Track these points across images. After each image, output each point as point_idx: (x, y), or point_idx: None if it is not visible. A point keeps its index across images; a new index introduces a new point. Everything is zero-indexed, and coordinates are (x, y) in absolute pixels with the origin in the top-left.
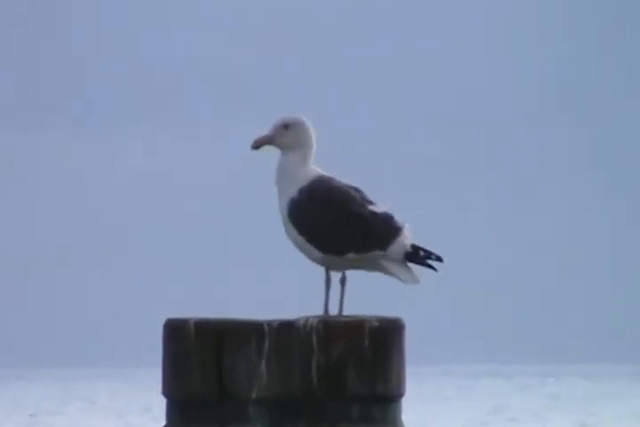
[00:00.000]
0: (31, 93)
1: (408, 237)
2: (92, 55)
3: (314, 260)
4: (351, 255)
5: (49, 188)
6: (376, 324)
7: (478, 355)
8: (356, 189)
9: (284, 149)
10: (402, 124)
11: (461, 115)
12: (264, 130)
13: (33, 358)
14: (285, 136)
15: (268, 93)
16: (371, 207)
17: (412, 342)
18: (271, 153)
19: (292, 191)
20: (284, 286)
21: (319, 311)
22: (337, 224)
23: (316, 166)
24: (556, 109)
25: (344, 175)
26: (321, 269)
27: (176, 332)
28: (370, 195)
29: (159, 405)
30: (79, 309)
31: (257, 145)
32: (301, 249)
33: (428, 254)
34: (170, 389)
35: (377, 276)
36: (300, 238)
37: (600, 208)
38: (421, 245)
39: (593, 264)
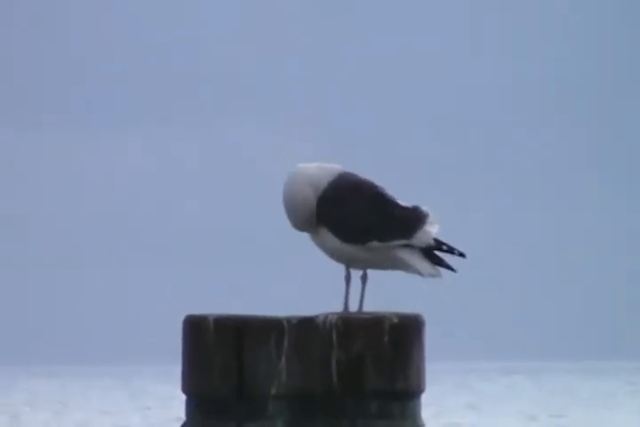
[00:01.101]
0: (31, 93)
1: (434, 226)
2: (93, 55)
3: (334, 254)
4: (375, 244)
5: (50, 188)
6: (395, 320)
7: (499, 351)
8: (381, 187)
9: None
10: (402, 124)
11: (461, 115)
12: (263, 134)
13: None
14: (309, 211)
15: (269, 93)
16: (396, 200)
17: (432, 339)
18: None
19: (320, 186)
20: (304, 282)
21: (339, 308)
22: (360, 212)
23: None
24: (557, 109)
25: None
26: (341, 267)
27: (195, 328)
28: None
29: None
30: (90, 308)
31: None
32: (324, 243)
33: (451, 250)
34: (189, 385)
35: (397, 273)
36: (324, 230)
37: (600, 208)
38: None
39: (593, 264)
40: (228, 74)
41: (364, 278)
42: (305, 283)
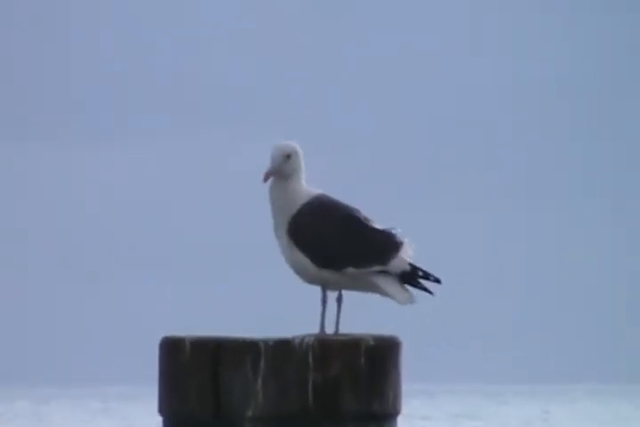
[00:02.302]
0: (29, 106)
1: (409, 253)
2: (91, 68)
3: (310, 278)
4: (350, 270)
5: (43, 200)
6: (372, 342)
7: (476, 374)
8: (357, 210)
9: (284, 176)
10: (401, 129)
11: (460, 116)
12: (260, 155)
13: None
14: (288, 165)
15: (266, 106)
16: (371, 224)
17: (408, 360)
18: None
19: (293, 209)
20: (279, 304)
21: (315, 330)
22: (336, 237)
23: (310, 185)
24: (558, 116)
25: (341, 183)
26: (317, 289)
27: (172, 350)
28: (371, 205)
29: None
30: (74, 326)
31: (267, 178)
32: (298, 266)
33: (426, 275)
34: (166, 407)
35: (373, 295)
36: (298, 254)
37: (603, 218)
38: (417, 255)
39: (597, 278)
40: (226, 86)
41: (339, 300)
42: (281, 304)
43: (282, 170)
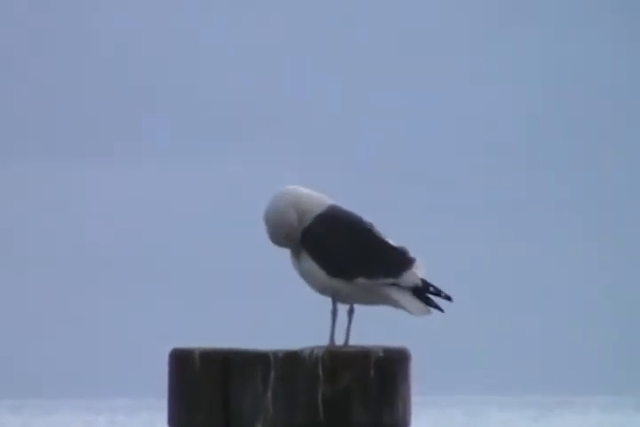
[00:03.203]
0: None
1: (421, 270)
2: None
3: (321, 288)
4: (361, 280)
5: (47, 217)
6: (381, 354)
7: (487, 385)
8: (371, 223)
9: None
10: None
11: (458, 144)
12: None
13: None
14: (293, 233)
15: (266, 122)
16: (385, 237)
17: (418, 372)
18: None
19: (307, 221)
20: (290, 315)
21: (325, 342)
22: (349, 247)
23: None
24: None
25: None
26: (328, 300)
27: (182, 362)
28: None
29: None
30: (83, 338)
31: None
32: (309, 275)
33: (438, 292)
34: (175, 419)
35: (384, 307)
36: (310, 262)
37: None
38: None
39: (587, 300)
40: (232, 101)
41: (350, 312)
42: (291, 316)
43: (291, 239)
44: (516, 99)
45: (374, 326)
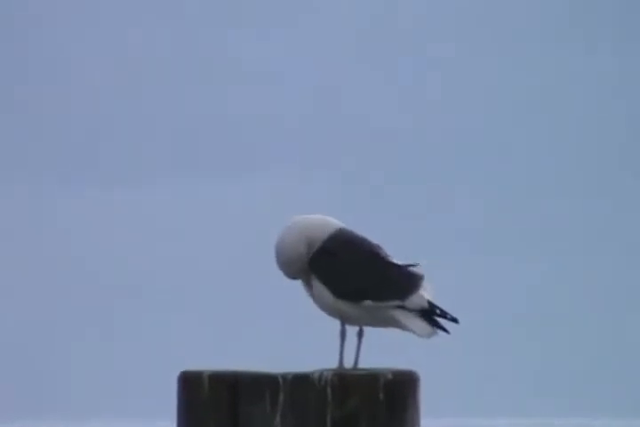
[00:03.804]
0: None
1: (428, 291)
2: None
3: (329, 309)
4: (367, 303)
5: (52, 242)
6: (390, 377)
7: (495, 408)
8: (378, 246)
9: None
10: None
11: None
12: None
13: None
14: (304, 263)
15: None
16: (392, 259)
17: (427, 395)
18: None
19: (317, 244)
20: (299, 338)
21: (334, 364)
22: (356, 269)
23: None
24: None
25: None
26: (337, 322)
27: (190, 384)
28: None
29: None
30: (89, 361)
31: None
32: (318, 298)
33: (444, 314)
34: None
35: (392, 330)
36: (319, 285)
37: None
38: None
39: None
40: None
41: (359, 335)
42: (300, 338)
43: (303, 271)
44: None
45: (384, 348)
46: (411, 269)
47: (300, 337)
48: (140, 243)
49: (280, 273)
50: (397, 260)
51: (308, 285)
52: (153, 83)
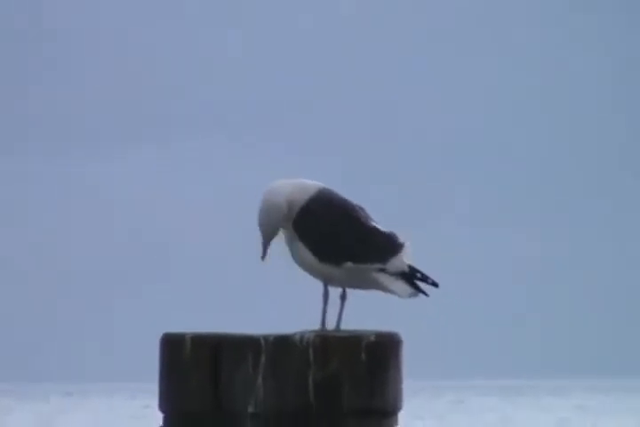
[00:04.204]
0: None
1: (408, 256)
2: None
3: (311, 270)
4: (349, 265)
5: (42, 216)
6: (373, 339)
7: (475, 370)
8: (361, 207)
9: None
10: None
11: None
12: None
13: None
14: (280, 222)
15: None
16: (374, 223)
17: (409, 357)
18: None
19: (299, 204)
20: (281, 299)
21: (317, 326)
22: (338, 232)
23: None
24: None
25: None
26: (320, 284)
27: (173, 346)
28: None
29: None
30: (76, 328)
31: (265, 256)
32: (300, 258)
33: (425, 278)
34: (166, 404)
35: (375, 292)
36: (301, 246)
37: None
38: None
39: (593, 279)
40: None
41: (342, 297)
42: (283, 300)
43: (279, 226)
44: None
45: (368, 311)
46: (393, 233)
47: (283, 299)
48: (115, 213)
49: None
50: (378, 223)
51: (291, 246)
52: (152, 82)
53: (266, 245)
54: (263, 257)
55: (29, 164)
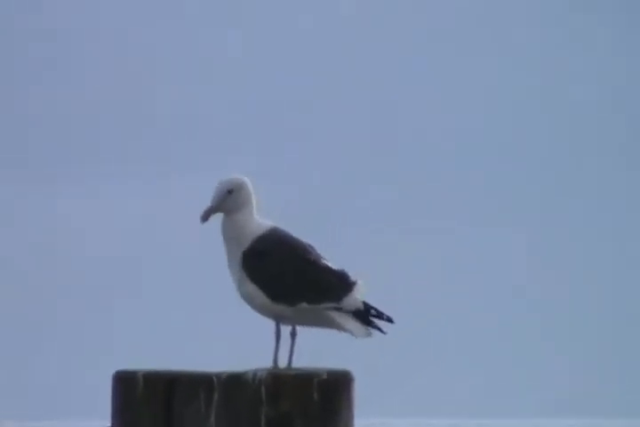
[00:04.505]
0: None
1: (362, 293)
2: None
3: (264, 311)
4: (303, 305)
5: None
6: (325, 377)
7: (430, 408)
8: (310, 246)
9: (230, 211)
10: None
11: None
12: (203, 194)
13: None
14: (230, 200)
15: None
16: (325, 261)
17: (361, 395)
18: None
19: (246, 242)
20: (233, 338)
21: (269, 364)
22: (291, 272)
23: (266, 219)
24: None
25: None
26: (271, 322)
27: (125, 384)
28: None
29: None
30: (28, 365)
31: (206, 217)
32: (252, 299)
33: (379, 314)
34: None
35: (327, 330)
36: (252, 286)
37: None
38: (375, 296)
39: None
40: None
41: (293, 334)
42: (234, 338)
43: (224, 206)
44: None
45: (318, 348)
46: (344, 271)
47: (235, 336)
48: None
49: (221, 275)
50: (330, 261)
51: (239, 284)
52: (151, 83)
53: (211, 211)
54: (204, 218)
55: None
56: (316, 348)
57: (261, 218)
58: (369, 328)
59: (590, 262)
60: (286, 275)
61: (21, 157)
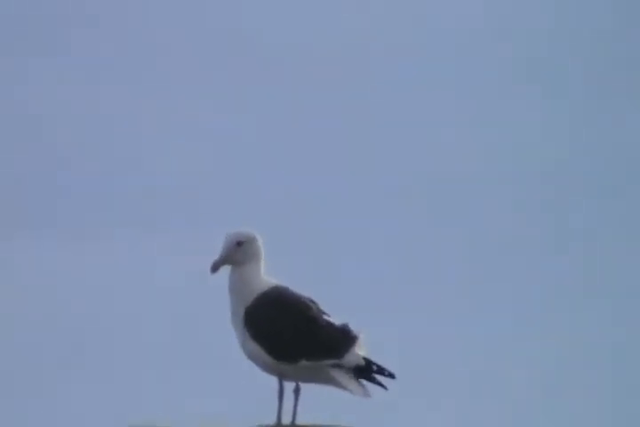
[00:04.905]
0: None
1: (364, 348)
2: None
3: (266, 368)
4: (304, 363)
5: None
6: None
7: None
8: (312, 301)
9: (238, 264)
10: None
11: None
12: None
13: None
14: (239, 253)
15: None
16: (326, 317)
17: None
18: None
19: (249, 299)
20: (237, 395)
21: (272, 421)
22: (290, 330)
23: (270, 277)
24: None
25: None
26: (274, 380)
27: None
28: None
29: None
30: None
31: (216, 269)
32: (255, 357)
33: (381, 370)
34: None
35: (330, 387)
36: (254, 345)
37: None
38: (377, 351)
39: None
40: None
41: (296, 391)
42: (238, 396)
43: (233, 258)
44: None
45: (322, 404)
46: (346, 326)
47: (239, 394)
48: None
49: (222, 332)
50: (332, 317)
51: (242, 343)
52: (152, 83)
53: (220, 262)
54: (214, 270)
55: None
56: (322, 405)
57: (267, 275)
58: (367, 389)
59: None
60: (286, 333)
61: None
